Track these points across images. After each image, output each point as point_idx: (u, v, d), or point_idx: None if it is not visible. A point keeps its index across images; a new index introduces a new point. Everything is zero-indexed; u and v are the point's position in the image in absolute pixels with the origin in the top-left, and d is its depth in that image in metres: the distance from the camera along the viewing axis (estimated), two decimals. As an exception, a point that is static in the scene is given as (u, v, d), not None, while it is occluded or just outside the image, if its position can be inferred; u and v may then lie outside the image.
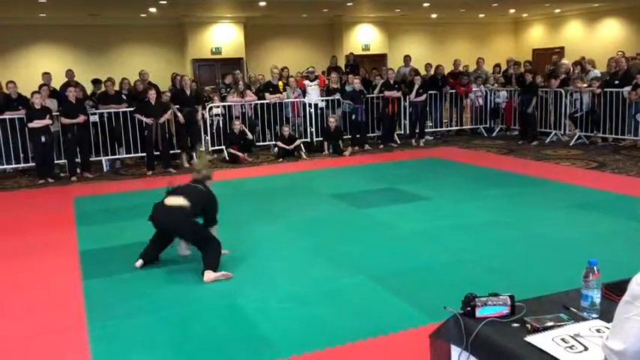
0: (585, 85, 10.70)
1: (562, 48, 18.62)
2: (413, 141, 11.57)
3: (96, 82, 11.14)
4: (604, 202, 6.45)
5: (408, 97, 11.57)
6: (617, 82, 10.20)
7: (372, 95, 11.64)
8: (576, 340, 1.95)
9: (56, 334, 3.72)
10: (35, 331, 3.78)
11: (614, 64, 10.74)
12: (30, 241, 5.81)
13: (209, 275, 4.45)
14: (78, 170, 9.38)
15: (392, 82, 11.62)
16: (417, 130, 11.64)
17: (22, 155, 9.62)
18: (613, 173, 8.12)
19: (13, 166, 9.78)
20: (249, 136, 10.62)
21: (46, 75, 10.57)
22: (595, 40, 17.60)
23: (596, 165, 8.73)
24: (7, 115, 9.41)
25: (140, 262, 4.81)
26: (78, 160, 9.46)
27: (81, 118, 9.27)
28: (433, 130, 12.44)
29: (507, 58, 13.71)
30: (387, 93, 11.45)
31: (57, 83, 10.84)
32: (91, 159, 9.73)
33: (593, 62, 12.27)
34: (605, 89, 10.20)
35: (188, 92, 10.29)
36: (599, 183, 7.47)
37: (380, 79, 11.82)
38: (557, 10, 18.27)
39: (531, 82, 11.03)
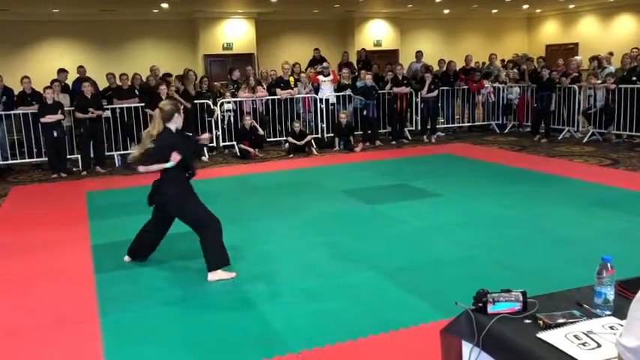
0: (600, 81, 10.59)
1: (576, 44, 18.44)
2: (424, 137, 11.53)
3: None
4: (618, 200, 6.39)
5: (419, 92, 11.53)
6: (634, 77, 10.08)
7: (383, 91, 11.61)
8: (589, 337, 1.93)
9: (69, 327, 3.75)
10: (48, 323, 3.81)
11: (630, 60, 10.62)
12: (43, 234, 5.87)
13: (212, 276, 4.40)
14: (91, 165, 9.47)
15: (401, 77, 11.58)
16: (429, 126, 11.59)
17: (35, 150, 9.72)
18: (627, 170, 8.04)
19: (27, 160, 9.88)
20: (260, 131, 10.62)
21: (63, 73, 10.65)
22: (610, 36, 17.40)
23: (610, 162, 8.65)
24: (21, 110, 9.52)
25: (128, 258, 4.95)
26: (91, 155, 9.54)
27: (95, 113, 9.35)
28: (445, 126, 12.39)
29: (521, 53, 13.59)
30: (395, 89, 11.41)
31: (69, 79, 10.93)
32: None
33: (609, 58, 12.12)
34: (621, 85, 10.09)
35: (191, 90, 10.31)
36: (612, 180, 7.39)
37: (392, 74, 11.78)
38: (572, 6, 18.09)
39: (549, 78, 10.93)
